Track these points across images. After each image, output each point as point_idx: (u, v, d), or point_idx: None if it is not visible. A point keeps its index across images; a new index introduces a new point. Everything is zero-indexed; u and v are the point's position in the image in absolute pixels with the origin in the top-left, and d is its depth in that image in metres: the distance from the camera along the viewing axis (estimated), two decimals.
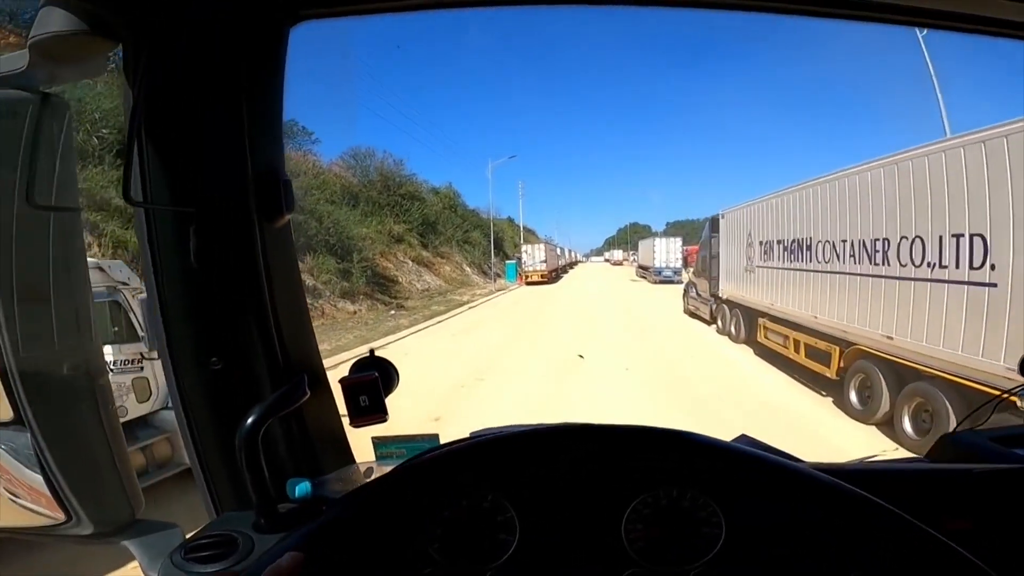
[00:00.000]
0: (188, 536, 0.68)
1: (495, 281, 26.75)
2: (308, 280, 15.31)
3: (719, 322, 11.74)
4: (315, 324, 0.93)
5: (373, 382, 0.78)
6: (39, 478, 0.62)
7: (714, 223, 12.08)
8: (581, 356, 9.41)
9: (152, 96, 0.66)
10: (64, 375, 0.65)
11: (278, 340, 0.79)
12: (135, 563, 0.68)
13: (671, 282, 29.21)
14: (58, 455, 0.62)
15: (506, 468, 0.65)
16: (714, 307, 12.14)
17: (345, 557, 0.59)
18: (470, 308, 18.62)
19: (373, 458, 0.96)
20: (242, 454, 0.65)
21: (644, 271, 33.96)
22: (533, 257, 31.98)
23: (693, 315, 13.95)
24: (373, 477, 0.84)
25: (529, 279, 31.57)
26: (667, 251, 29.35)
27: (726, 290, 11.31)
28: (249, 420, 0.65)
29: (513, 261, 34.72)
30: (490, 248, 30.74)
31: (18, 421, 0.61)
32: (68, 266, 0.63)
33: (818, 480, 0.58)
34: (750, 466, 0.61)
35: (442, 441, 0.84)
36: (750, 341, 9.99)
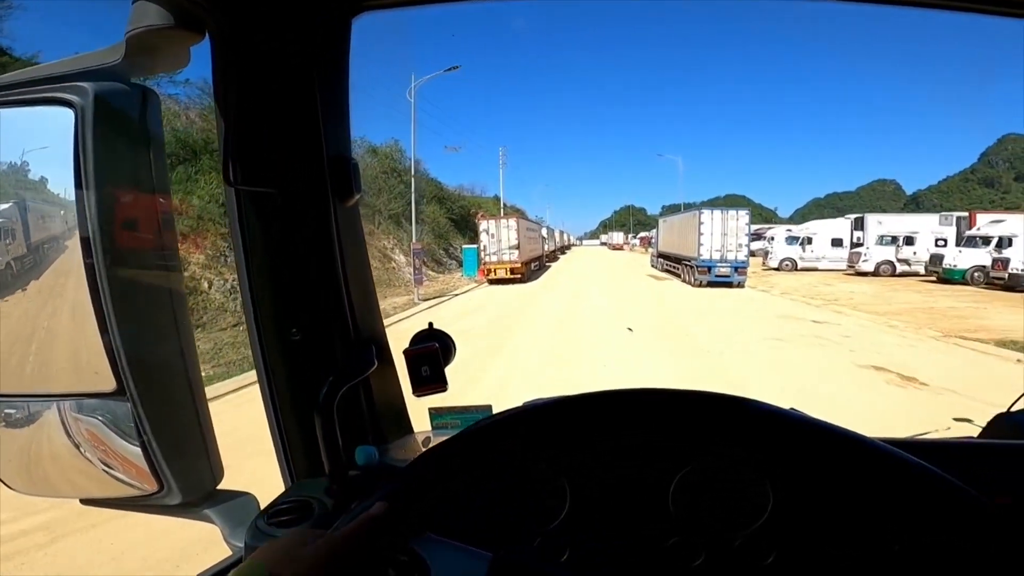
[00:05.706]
0: (267, 504, 0.75)
1: (420, 285, 14.33)
2: None
3: None
4: None
5: (434, 353, 0.82)
6: (135, 449, 0.65)
7: None
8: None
9: (236, 86, 0.73)
10: (160, 346, 0.67)
11: (350, 313, 0.86)
12: None
13: (729, 284, 17.45)
14: (155, 424, 0.65)
15: (556, 436, 0.64)
16: None
17: (422, 508, 0.59)
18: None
19: (429, 428, 1.02)
20: (319, 419, 0.74)
21: (672, 264, 21.70)
22: (498, 240, 19.81)
23: None
24: (431, 446, 0.85)
25: (493, 273, 19.59)
26: (722, 232, 17.19)
27: None
28: (326, 386, 0.75)
29: (475, 247, 22.58)
30: (412, 226, 18.04)
31: (120, 392, 0.63)
32: (163, 244, 0.67)
33: (879, 450, 0.56)
34: (804, 435, 0.59)
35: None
36: None
